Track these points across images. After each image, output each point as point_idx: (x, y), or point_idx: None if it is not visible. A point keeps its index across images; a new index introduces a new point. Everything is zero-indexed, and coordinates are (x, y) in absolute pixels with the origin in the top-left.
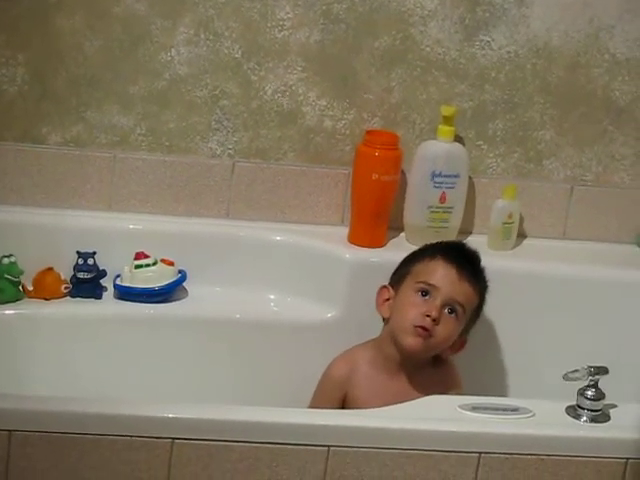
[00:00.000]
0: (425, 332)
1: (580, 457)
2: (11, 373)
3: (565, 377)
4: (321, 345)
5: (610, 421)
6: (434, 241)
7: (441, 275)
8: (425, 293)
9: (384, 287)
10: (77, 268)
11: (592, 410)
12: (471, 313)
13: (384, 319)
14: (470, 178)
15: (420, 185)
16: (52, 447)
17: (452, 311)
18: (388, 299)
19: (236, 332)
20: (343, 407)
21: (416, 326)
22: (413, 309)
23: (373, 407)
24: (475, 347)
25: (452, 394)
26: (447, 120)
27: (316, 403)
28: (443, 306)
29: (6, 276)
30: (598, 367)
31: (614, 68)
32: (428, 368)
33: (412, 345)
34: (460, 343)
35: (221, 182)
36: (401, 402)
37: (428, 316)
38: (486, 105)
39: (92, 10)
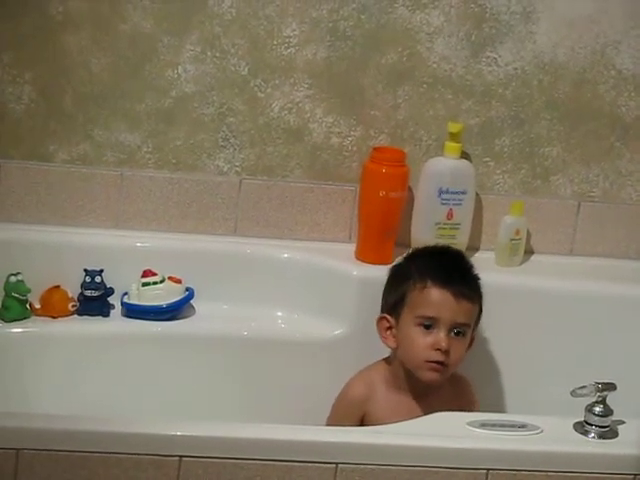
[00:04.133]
0: (440, 366)
1: (588, 473)
2: (19, 391)
3: (573, 393)
4: (329, 362)
5: (618, 437)
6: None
7: (438, 304)
8: (428, 326)
9: (382, 318)
10: (84, 286)
11: (600, 426)
12: (475, 318)
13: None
14: (477, 194)
15: (427, 202)
16: (59, 465)
17: (458, 333)
18: (390, 327)
19: (244, 349)
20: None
21: (429, 361)
22: (421, 344)
23: None
24: (483, 363)
25: (469, 410)
26: (454, 137)
27: (334, 425)
28: (449, 332)
29: (13, 294)
30: (606, 383)
31: (620, 84)
32: (445, 383)
33: (431, 380)
34: (471, 342)
35: (228, 199)
36: None
37: (438, 349)
38: (493, 121)
39: (98, 28)
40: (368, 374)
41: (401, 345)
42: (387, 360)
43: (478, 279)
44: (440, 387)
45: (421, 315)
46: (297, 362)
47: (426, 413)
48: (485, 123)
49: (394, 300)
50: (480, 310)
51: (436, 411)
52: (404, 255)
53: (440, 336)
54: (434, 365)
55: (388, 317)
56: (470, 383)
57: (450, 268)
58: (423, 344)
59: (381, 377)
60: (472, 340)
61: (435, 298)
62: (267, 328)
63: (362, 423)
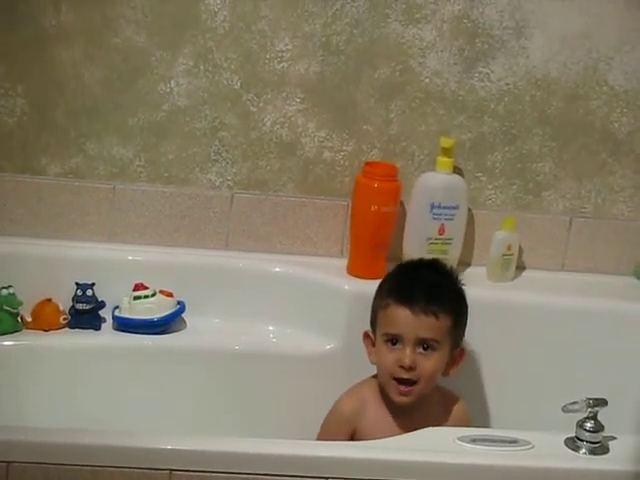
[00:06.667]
0: (406, 388)
1: None
2: (9, 404)
3: (564, 409)
4: (320, 377)
5: (609, 453)
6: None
7: (398, 321)
8: (394, 342)
9: (367, 335)
10: (76, 299)
11: (591, 442)
12: (450, 332)
13: None
14: (469, 210)
15: (419, 217)
16: (50, 479)
17: (426, 348)
18: (373, 344)
19: (235, 363)
20: None
21: (395, 379)
22: (388, 361)
23: None
24: (474, 378)
25: (459, 425)
26: (446, 152)
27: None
28: (414, 348)
29: (5, 307)
30: (597, 399)
31: (613, 100)
32: (434, 399)
33: (400, 402)
34: (459, 356)
35: (220, 213)
36: None
37: (402, 366)
38: (485, 137)
39: (91, 41)
40: (359, 390)
41: (377, 361)
42: (377, 377)
43: (453, 293)
44: (430, 404)
45: (385, 332)
46: (288, 376)
47: (418, 428)
48: (477, 138)
49: (371, 317)
50: (456, 324)
51: (428, 425)
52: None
53: (404, 352)
54: (400, 388)
55: (370, 333)
56: (462, 402)
57: (413, 284)
58: (389, 360)
59: (372, 393)
60: (461, 355)
61: (395, 316)
62: (258, 342)
63: (352, 439)
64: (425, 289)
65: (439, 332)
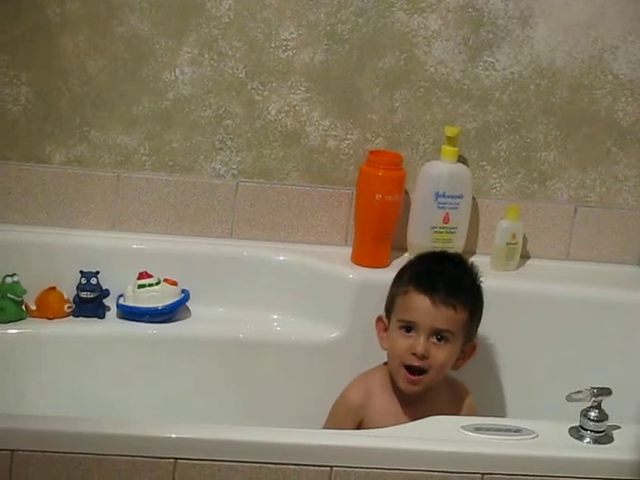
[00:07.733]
0: (415, 378)
1: (583, 478)
2: (14, 392)
3: (568, 398)
4: (325, 365)
5: (613, 442)
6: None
7: (416, 309)
8: (409, 329)
9: (380, 319)
10: (80, 287)
11: (595, 431)
12: (464, 326)
13: None
14: (474, 199)
15: (424, 205)
16: (54, 467)
17: (440, 338)
18: (386, 329)
19: (239, 352)
20: None
21: (406, 367)
22: (400, 347)
23: None
24: (478, 367)
25: (464, 414)
26: (451, 140)
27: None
28: (429, 337)
29: (9, 295)
30: (601, 388)
31: (617, 89)
32: (443, 390)
33: (408, 391)
34: (470, 350)
35: (224, 202)
36: None
37: (414, 354)
38: (490, 126)
39: (96, 30)
40: (366, 379)
41: (388, 347)
42: (386, 365)
43: (472, 289)
44: (438, 395)
45: (401, 319)
46: (293, 365)
47: (425, 417)
48: (482, 127)
49: (388, 302)
50: (472, 318)
51: (435, 414)
52: (411, 258)
53: (418, 341)
54: (410, 377)
55: (383, 318)
56: (470, 391)
57: (437, 274)
58: (401, 347)
59: (379, 382)
60: (472, 350)
61: (413, 303)
62: (263, 331)
63: (360, 428)
64: (447, 281)
65: (455, 324)
